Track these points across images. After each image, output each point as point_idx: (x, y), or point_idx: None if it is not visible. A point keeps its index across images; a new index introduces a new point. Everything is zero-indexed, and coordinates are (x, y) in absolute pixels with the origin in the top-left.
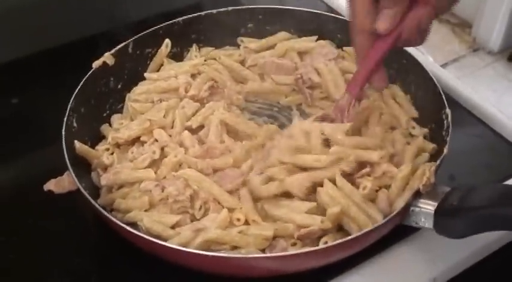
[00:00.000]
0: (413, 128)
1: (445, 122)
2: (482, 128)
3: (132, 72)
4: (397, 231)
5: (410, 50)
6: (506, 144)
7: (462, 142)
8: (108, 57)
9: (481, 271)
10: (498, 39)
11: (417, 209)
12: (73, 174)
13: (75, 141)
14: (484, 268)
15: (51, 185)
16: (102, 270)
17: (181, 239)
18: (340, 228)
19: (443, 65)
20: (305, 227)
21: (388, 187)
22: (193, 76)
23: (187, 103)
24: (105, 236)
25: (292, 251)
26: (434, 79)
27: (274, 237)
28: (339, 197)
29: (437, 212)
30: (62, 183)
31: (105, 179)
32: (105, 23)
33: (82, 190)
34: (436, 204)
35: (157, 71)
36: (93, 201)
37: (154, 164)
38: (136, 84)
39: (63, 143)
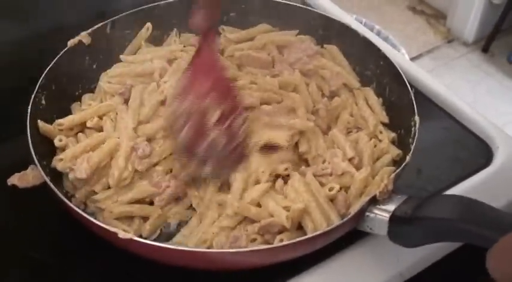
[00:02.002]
0: (381, 132)
1: (413, 129)
2: (449, 121)
3: (108, 52)
4: None
5: (387, 51)
6: (473, 137)
7: (430, 136)
8: (84, 36)
9: (449, 265)
10: (472, 30)
11: (372, 215)
12: (36, 159)
13: (39, 121)
14: (452, 262)
15: (15, 180)
16: (64, 265)
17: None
18: (299, 227)
19: (418, 56)
20: (271, 216)
21: (347, 189)
22: (170, 62)
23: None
24: (70, 230)
25: (240, 248)
26: (409, 85)
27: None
28: (303, 191)
29: (392, 220)
30: (26, 178)
31: (82, 172)
32: (74, 15)
33: (43, 174)
34: (391, 211)
35: (135, 53)
36: (56, 190)
37: None
38: (112, 65)
39: (28, 120)
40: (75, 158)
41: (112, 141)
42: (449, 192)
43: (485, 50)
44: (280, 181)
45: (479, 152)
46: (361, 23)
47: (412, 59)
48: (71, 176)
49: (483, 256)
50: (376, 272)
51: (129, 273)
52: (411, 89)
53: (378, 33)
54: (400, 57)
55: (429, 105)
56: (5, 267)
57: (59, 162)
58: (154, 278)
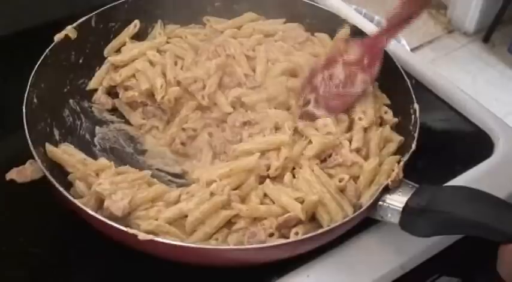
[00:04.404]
0: (386, 112)
1: (413, 117)
2: (450, 112)
3: (94, 46)
4: (365, 220)
5: None
6: (474, 128)
7: (430, 127)
8: (70, 31)
9: (448, 257)
10: (473, 21)
11: (385, 205)
12: (36, 156)
13: (46, 144)
14: (452, 254)
15: (13, 174)
16: (63, 261)
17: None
18: (312, 218)
19: (419, 47)
20: (286, 210)
21: (356, 178)
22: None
23: None
24: (69, 223)
25: (256, 244)
26: (404, 74)
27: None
28: (315, 182)
29: (405, 210)
30: (24, 172)
31: (119, 210)
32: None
33: (45, 172)
34: (403, 201)
35: (118, 50)
36: (60, 188)
37: None
38: (99, 59)
39: (24, 120)
40: (115, 184)
41: (160, 188)
42: (451, 184)
43: (486, 40)
44: (289, 175)
45: (480, 143)
46: (360, 13)
47: (413, 49)
48: (107, 202)
49: (482, 249)
50: (377, 265)
51: (131, 269)
52: (411, 80)
53: (378, 24)
54: (400, 48)
55: (429, 96)
56: (3, 263)
57: (98, 186)
58: (156, 274)
